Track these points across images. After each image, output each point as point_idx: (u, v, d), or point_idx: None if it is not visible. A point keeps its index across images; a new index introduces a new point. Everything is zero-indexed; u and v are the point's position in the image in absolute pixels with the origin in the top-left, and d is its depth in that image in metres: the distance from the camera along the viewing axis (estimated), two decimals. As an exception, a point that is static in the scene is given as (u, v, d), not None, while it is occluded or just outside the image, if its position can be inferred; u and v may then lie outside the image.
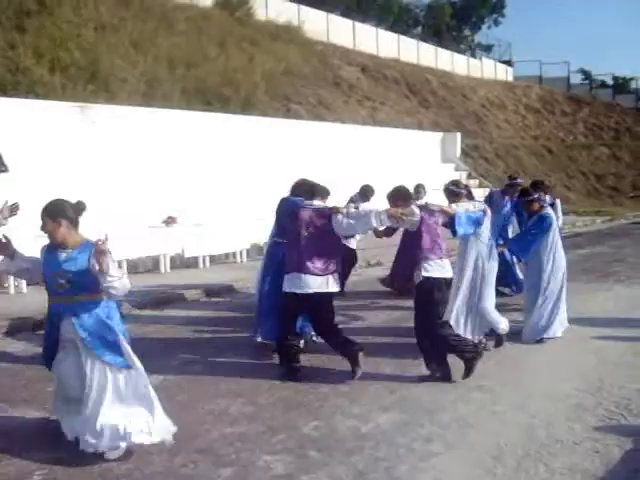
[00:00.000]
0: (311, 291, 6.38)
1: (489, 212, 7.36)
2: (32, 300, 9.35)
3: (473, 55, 49.96)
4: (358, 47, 35.35)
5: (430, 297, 6.42)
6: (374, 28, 38.62)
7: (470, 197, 8.47)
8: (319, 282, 6.38)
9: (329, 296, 6.57)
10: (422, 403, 5.90)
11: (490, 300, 7.34)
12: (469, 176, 28.65)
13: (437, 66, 40.65)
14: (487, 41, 55.46)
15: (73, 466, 4.58)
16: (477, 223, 7.01)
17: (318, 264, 6.36)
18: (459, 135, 29.81)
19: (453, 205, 7.01)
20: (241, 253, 14.62)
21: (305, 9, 33.15)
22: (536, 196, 8.24)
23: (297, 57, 28.45)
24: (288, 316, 6.71)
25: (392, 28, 42.95)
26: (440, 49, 42.94)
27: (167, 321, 9.35)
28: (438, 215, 6.61)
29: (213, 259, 14.19)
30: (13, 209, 5.33)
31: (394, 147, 23.75)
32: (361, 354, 6.42)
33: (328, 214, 6.45)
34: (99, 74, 18.47)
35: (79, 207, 4.75)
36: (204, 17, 26.47)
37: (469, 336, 7.03)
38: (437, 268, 6.44)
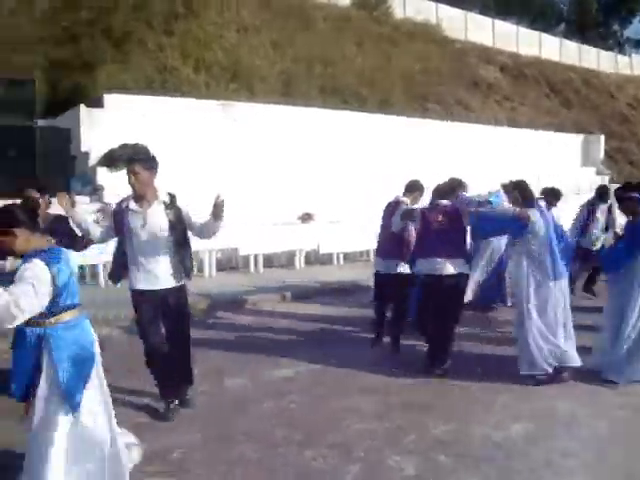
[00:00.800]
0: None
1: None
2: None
3: (622, 51, 47.24)
4: (497, 45, 34.29)
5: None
6: (514, 26, 37.35)
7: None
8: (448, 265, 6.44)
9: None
10: (557, 415, 5.51)
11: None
12: (611, 180, 26.99)
13: (580, 64, 38.69)
14: (638, 36, 52.40)
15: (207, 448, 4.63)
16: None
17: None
18: (602, 137, 28.20)
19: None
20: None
21: (443, 7, 32.56)
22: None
23: (435, 56, 27.99)
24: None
25: (533, 25, 41.41)
26: (584, 46, 40.90)
27: (298, 315, 9.34)
28: None
29: (347, 256, 14.14)
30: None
31: (532, 149, 22.81)
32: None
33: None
34: (240, 73, 18.99)
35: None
36: (342, 17, 26.59)
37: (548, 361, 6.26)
38: None
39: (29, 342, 3.65)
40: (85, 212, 5.56)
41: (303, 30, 23.49)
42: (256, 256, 12.53)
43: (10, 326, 3.50)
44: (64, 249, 3.84)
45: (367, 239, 13.80)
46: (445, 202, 6.71)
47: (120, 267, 5.36)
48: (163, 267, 5.18)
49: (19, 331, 3.66)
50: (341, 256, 13.99)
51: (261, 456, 4.61)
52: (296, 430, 5.06)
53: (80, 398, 3.66)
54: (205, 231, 5.37)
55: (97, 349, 3.89)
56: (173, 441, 4.84)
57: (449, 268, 6.41)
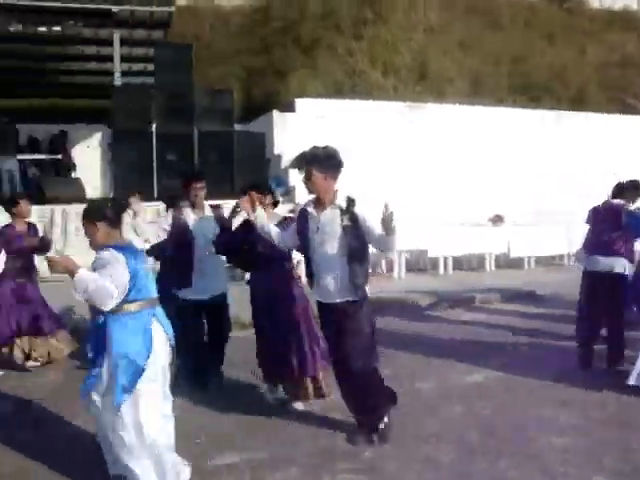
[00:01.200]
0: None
1: None
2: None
3: None
4: None
5: None
6: None
7: None
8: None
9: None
10: None
11: None
12: None
13: None
14: None
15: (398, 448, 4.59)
16: None
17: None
18: None
19: None
20: (568, 256, 13.73)
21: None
22: None
23: (634, 46, 26.08)
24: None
25: None
26: None
27: (490, 319, 9.05)
28: None
29: (539, 260, 13.54)
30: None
31: None
32: None
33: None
34: (428, 75, 18.92)
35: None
36: (531, 11, 25.63)
37: None
38: None
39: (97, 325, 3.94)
40: (274, 215, 5.60)
41: (490, 28, 22.94)
42: (445, 258, 12.37)
43: (107, 308, 3.76)
44: (138, 247, 4.21)
45: (561, 242, 13.20)
46: (617, 201, 6.51)
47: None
48: (333, 279, 4.75)
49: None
50: (532, 260, 13.42)
51: (453, 459, 4.50)
52: (489, 437, 4.88)
53: (123, 396, 3.78)
54: (382, 243, 4.90)
55: (166, 345, 4.04)
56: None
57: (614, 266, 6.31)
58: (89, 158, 15.28)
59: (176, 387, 4.38)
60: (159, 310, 4.07)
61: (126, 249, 3.92)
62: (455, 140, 14.31)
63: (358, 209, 4.81)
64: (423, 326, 8.74)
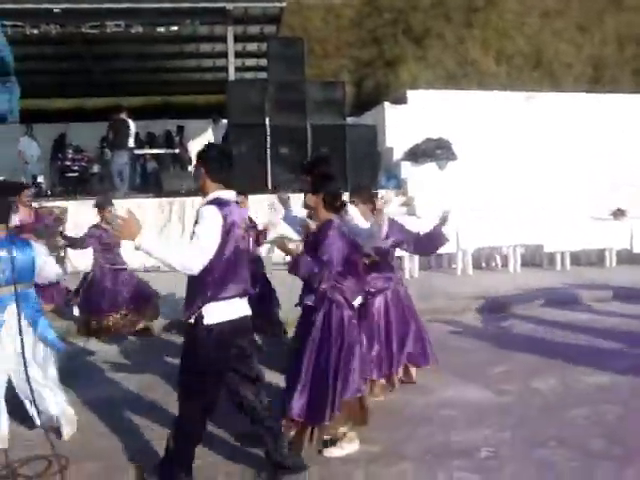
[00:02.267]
0: None
1: None
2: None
3: None
4: None
5: None
6: None
7: None
8: None
9: None
10: None
11: None
12: None
13: None
14: None
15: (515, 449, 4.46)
16: None
17: None
18: None
19: None
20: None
21: None
22: None
23: None
24: None
25: None
26: None
27: (615, 317, 8.58)
28: None
29: (663, 256, 12.76)
30: None
31: None
32: None
33: None
34: (543, 61, 18.28)
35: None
36: (658, -11, 24.15)
37: None
38: None
39: None
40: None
41: (612, 8, 21.78)
42: (562, 253, 11.92)
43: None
44: None
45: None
46: None
47: None
48: None
49: None
50: (656, 255, 12.67)
51: (576, 466, 4.31)
52: (614, 444, 4.63)
53: None
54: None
55: None
56: (481, 438, 4.78)
57: None
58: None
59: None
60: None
61: None
62: (574, 130, 13.70)
63: None
64: (536, 324, 8.44)
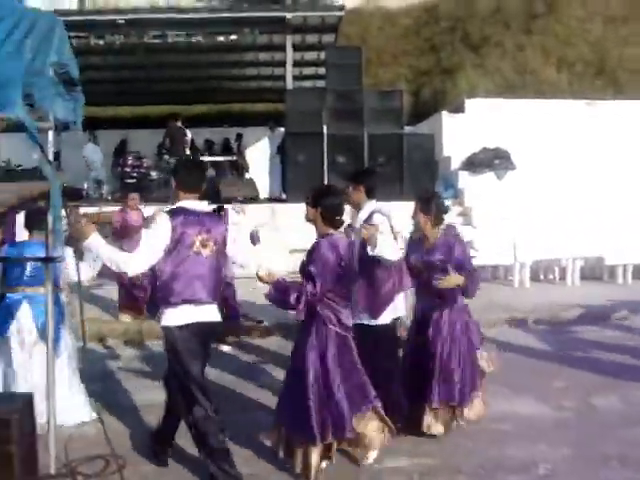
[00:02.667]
0: None
1: None
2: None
3: None
4: None
5: None
6: None
7: None
8: None
9: None
10: None
11: None
12: None
13: None
14: None
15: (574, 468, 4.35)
16: None
17: None
18: None
19: None
20: None
21: None
22: None
23: None
24: None
25: None
26: None
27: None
28: None
29: None
30: None
31: None
32: None
33: None
34: (607, 68, 17.84)
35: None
36: None
37: None
38: None
39: None
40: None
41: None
42: (625, 266, 11.62)
43: None
44: None
45: None
46: None
47: None
48: None
49: None
50: None
51: None
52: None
53: None
54: None
55: None
56: (538, 454, 4.69)
57: None
58: (262, 159, 15.95)
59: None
60: None
61: None
62: (638, 138, 13.36)
63: None
64: (596, 339, 8.23)
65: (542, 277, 12.01)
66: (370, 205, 5.04)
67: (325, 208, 4.34)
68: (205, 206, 4.35)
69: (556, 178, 12.35)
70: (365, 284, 4.94)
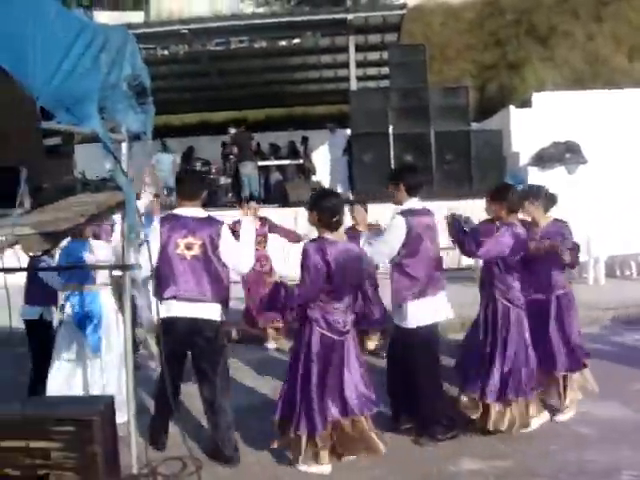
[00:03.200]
0: None
1: None
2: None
3: None
4: None
5: None
6: None
7: None
8: None
9: None
10: None
11: None
12: None
13: None
14: None
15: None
16: None
17: None
18: None
19: None
20: None
21: None
22: None
23: None
24: None
25: None
26: None
27: None
28: None
29: None
30: None
31: None
32: None
33: None
34: (681, 55, 17.14)
35: None
36: None
37: None
38: None
39: None
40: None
41: None
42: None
43: None
44: None
45: None
46: None
47: None
48: None
49: None
50: None
51: None
52: None
53: None
54: None
55: None
56: (622, 459, 4.51)
57: None
58: (327, 161, 15.96)
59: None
60: None
61: None
62: None
63: None
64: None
65: (618, 273, 11.63)
66: (410, 203, 5.02)
67: (321, 210, 4.42)
68: (200, 212, 4.74)
69: (629, 170, 11.95)
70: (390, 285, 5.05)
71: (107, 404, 2.98)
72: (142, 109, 3.38)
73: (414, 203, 5.03)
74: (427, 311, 4.90)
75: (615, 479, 4.26)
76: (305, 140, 17.43)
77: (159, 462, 4.50)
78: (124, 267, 3.74)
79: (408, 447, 4.83)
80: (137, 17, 21.10)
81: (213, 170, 16.25)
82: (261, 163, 16.85)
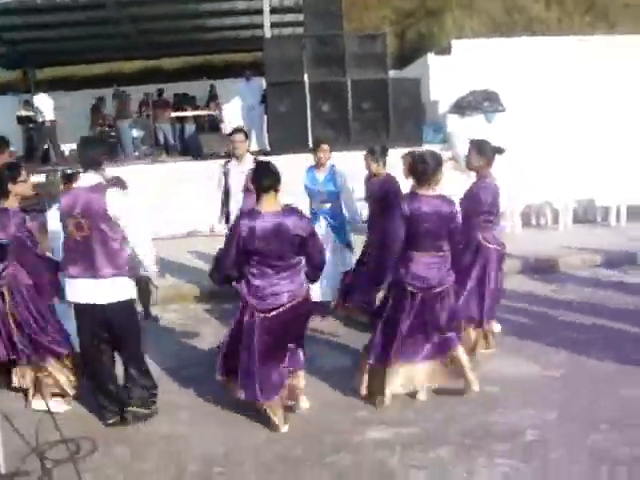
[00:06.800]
0: None
1: None
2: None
3: None
4: None
5: None
6: None
7: None
8: None
9: None
10: None
11: None
12: None
13: None
14: None
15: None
16: None
17: None
18: None
19: None
20: None
21: None
22: None
23: None
24: None
25: None
26: None
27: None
28: None
29: None
30: None
31: None
32: None
33: None
34: (597, 3, 17.16)
35: None
36: None
37: None
38: None
39: None
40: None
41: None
42: (618, 207, 11.27)
43: None
44: None
45: None
46: None
47: None
48: None
49: None
50: None
51: (632, 453, 3.86)
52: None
53: None
54: None
55: None
56: (526, 419, 4.43)
57: None
58: (245, 110, 15.36)
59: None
60: None
61: None
62: (630, 74, 12.84)
63: None
64: (590, 286, 7.90)
65: (534, 222, 11.67)
66: None
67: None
68: (92, 179, 4.47)
69: (547, 118, 11.93)
70: None
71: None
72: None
73: None
74: None
75: (520, 440, 4.16)
76: (212, 88, 16.85)
77: (49, 445, 4.14)
78: None
79: (314, 418, 4.61)
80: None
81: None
82: (175, 114, 16.22)
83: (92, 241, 4.34)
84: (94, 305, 4.42)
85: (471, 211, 5.41)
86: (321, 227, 6.50)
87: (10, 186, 4.84)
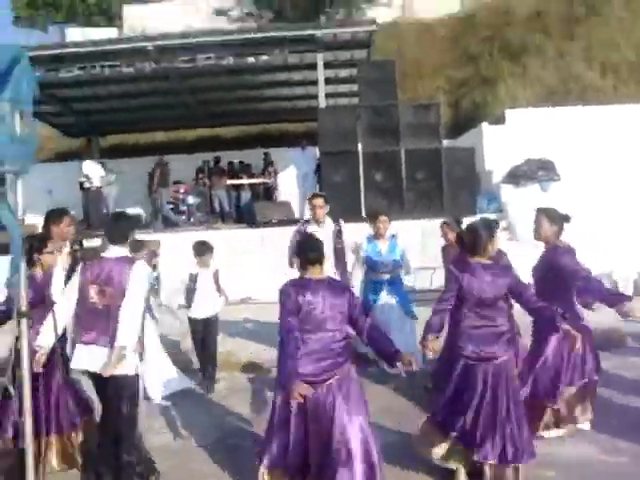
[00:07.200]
0: None
1: None
2: None
3: None
4: None
5: None
6: None
7: None
8: None
9: None
10: None
11: None
12: None
13: None
14: None
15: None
16: None
17: None
18: None
19: None
20: None
21: None
22: None
23: None
24: None
25: None
26: None
27: None
28: None
29: None
30: None
31: None
32: None
33: None
34: (653, 71, 17.03)
35: None
36: None
37: None
38: None
39: None
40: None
41: None
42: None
43: None
44: None
45: None
46: None
47: None
48: None
49: None
50: None
51: None
52: None
53: None
54: None
55: None
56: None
57: None
58: (297, 180, 15.60)
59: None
60: None
61: None
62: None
63: None
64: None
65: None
66: None
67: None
68: (119, 251, 4.72)
69: (604, 188, 11.77)
70: None
71: None
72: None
73: None
74: None
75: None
76: (267, 156, 17.17)
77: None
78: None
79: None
80: (110, 34, 20.79)
81: (182, 190, 15.90)
82: (230, 181, 16.55)
83: (111, 310, 4.48)
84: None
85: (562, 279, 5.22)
86: (381, 298, 6.60)
87: (36, 256, 5.16)
